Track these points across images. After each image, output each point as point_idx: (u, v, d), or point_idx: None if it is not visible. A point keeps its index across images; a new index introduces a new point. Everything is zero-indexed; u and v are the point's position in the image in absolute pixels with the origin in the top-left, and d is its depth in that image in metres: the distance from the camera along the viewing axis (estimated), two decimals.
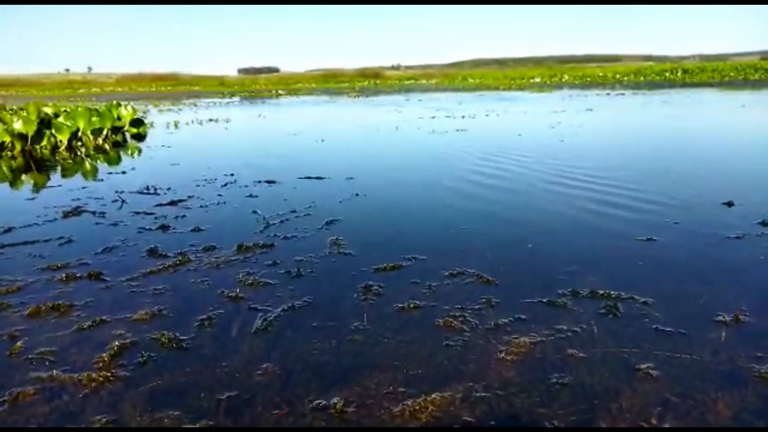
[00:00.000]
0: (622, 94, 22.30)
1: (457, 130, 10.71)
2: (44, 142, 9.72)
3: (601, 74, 41.08)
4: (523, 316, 2.53)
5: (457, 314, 2.57)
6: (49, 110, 11.14)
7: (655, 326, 2.39)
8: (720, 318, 2.44)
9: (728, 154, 7.18)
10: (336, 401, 1.91)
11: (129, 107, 13.12)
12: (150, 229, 4.18)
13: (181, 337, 2.43)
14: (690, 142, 8.48)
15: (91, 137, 10.93)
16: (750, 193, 4.71)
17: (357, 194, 5.23)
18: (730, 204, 4.30)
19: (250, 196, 5.28)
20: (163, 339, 2.40)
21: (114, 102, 14.22)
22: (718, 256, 3.24)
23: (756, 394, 1.91)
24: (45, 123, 9.95)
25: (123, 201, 5.22)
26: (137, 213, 4.71)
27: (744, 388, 1.94)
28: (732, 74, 35.86)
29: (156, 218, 4.50)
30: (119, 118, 12.47)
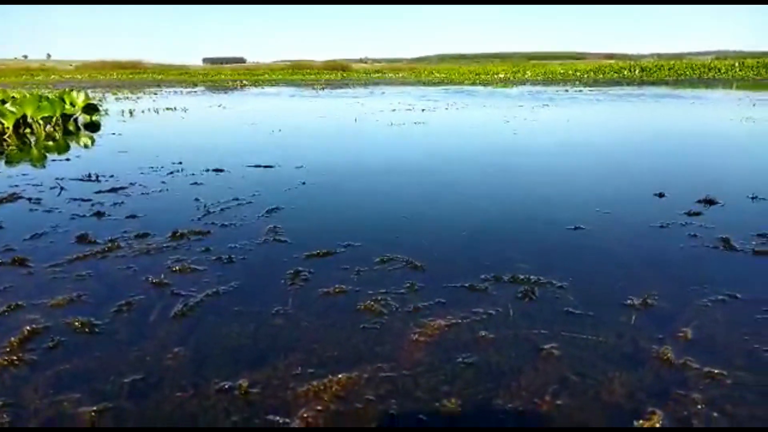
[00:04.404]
0: (580, 90, 22.74)
1: (415, 123, 10.76)
2: None
3: (561, 71, 41.73)
4: (442, 300, 2.57)
5: (380, 298, 2.60)
6: None
7: (566, 309, 2.46)
8: (629, 302, 2.53)
9: (669, 146, 7.41)
10: (242, 383, 1.92)
11: (82, 94, 12.73)
12: (84, 216, 4.08)
13: (96, 322, 2.39)
14: (634, 136, 8.71)
15: (42, 124, 10.60)
16: (683, 184, 4.88)
17: (303, 183, 5.21)
18: (661, 195, 4.44)
19: (195, 184, 5.21)
20: (76, 324, 2.36)
21: (66, 89, 13.80)
22: (640, 243, 3.35)
23: (652, 373, 1.99)
24: None
25: (62, 188, 5.08)
26: (74, 200, 4.59)
27: (641, 367, 2.02)
28: (687, 73, 36.92)
29: (92, 205, 4.40)
30: (72, 105, 12.10)
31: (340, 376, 1.95)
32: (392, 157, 6.97)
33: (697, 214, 3.93)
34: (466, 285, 2.74)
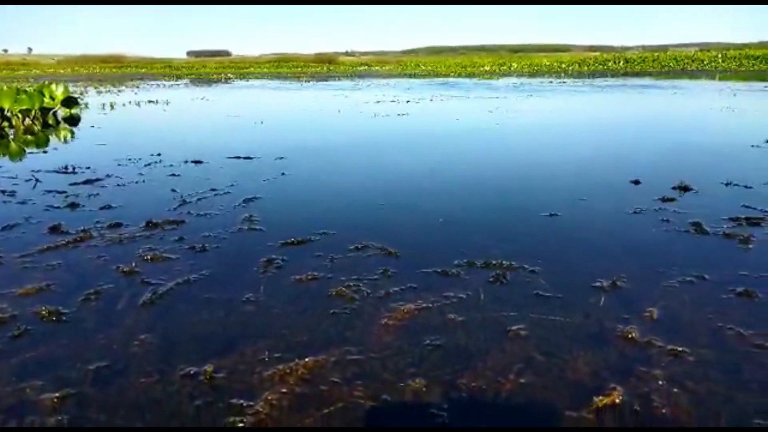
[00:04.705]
0: (564, 82, 22.84)
1: (399, 115, 10.74)
2: None
3: (547, 63, 41.86)
4: (414, 285, 2.58)
5: (352, 284, 2.60)
6: None
7: (536, 292, 2.48)
8: (599, 284, 2.55)
9: (648, 135, 7.46)
10: (207, 368, 1.91)
11: (61, 87, 12.55)
12: (58, 207, 4.03)
13: (63, 311, 2.36)
14: (614, 125, 8.77)
15: (20, 117, 10.44)
16: (659, 171, 4.93)
17: (283, 173, 5.19)
18: (636, 182, 4.48)
19: (173, 175, 5.16)
20: (43, 312, 2.33)
21: (45, 82, 13.59)
22: (613, 229, 3.38)
23: (616, 352, 2.01)
24: None
25: (37, 180, 5.02)
26: (49, 192, 4.54)
27: (606, 347, 2.04)
28: (671, 64, 37.21)
29: (67, 196, 4.34)
30: (52, 98, 11.93)
31: (306, 359, 1.95)
32: (373, 147, 6.96)
33: (671, 200, 3.96)
34: (439, 270, 2.74)
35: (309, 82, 27.32)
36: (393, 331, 2.17)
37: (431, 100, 14.56)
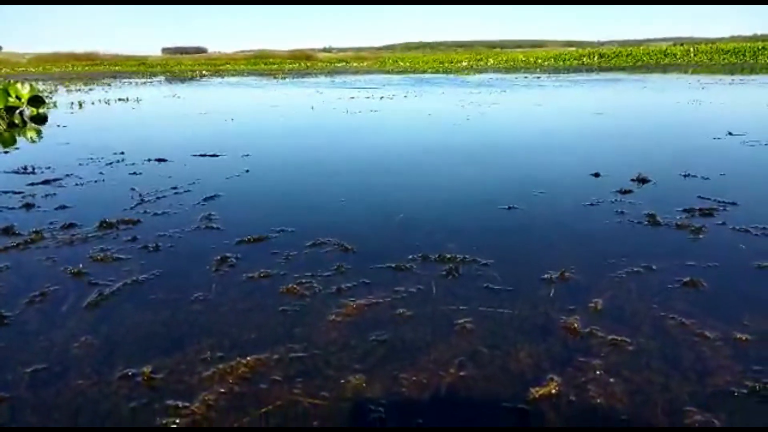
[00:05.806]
0: (539, 77, 23.03)
1: (372, 111, 10.72)
2: None
3: (523, 59, 42.18)
4: (367, 281, 2.57)
5: (304, 281, 2.58)
6: None
7: (487, 285, 2.49)
8: (548, 276, 2.57)
9: (613, 128, 7.56)
10: (145, 369, 1.88)
11: (27, 86, 12.29)
12: (12, 208, 3.94)
13: (6, 314, 2.31)
14: (581, 119, 8.86)
15: None
16: (620, 164, 4.99)
17: (247, 171, 5.14)
18: (597, 175, 4.53)
19: (134, 174, 5.08)
20: None
21: (11, 81, 13.29)
22: (569, 221, 3.42)
23: (559, 342, 2.03)
24: None
25: None
26: (5, 192, 4.43)
27: (550, 337, 2.06)
28: (644, 59, 37.76)
29: (23, 197, 4.25)
30: (18, 98, 11.68)
31: (248, 358, 1.94)
32: (341, 144, 6.93)
33: (629, 191, 4.02)
34: (393, 265, 2.74)
35: (285, 78, 27.12)
36: (341, 328, 2.16)
37: (405, 96, 14.56)
